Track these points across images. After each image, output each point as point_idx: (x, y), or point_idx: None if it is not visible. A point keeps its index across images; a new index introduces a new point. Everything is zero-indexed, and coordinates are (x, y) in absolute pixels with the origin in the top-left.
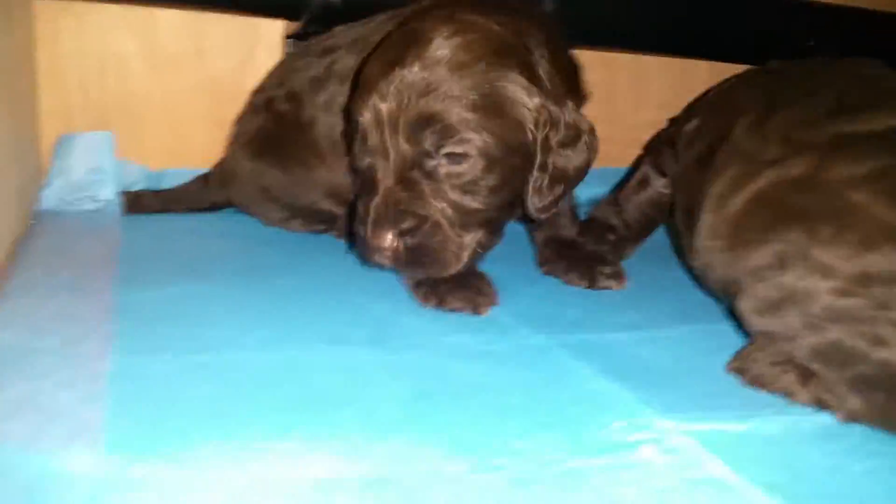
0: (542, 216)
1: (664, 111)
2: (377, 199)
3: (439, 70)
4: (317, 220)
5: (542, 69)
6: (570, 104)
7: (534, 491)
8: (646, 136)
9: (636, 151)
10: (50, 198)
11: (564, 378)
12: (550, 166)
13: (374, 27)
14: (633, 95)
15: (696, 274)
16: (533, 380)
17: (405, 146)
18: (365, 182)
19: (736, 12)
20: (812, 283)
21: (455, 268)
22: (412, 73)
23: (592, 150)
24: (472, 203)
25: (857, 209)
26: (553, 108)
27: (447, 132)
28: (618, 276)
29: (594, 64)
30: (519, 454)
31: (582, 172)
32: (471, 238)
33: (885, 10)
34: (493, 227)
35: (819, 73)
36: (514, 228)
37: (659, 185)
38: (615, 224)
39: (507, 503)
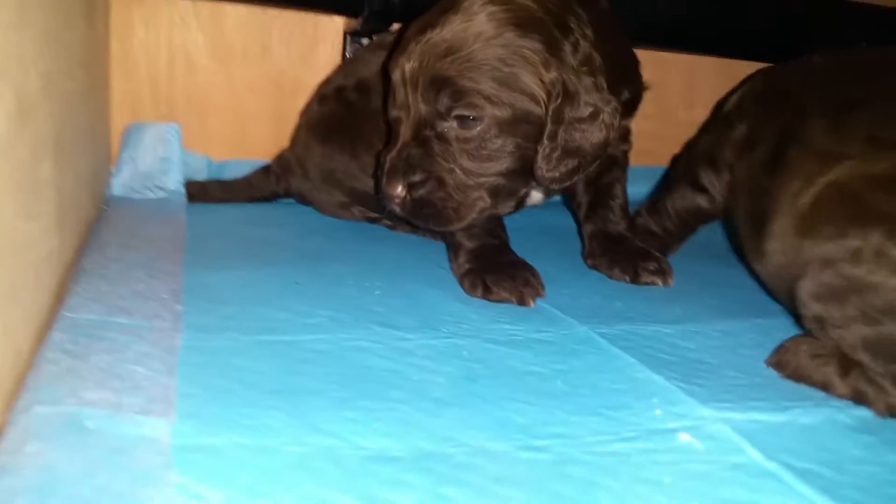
0: (554, 187)
1: None
2: (393, 152)
3: (462, 36)
4: (375, 208)
5: (581, 49)
6: (590, 81)
7: (576, 470)
8: None
9: None
10: (118, 185)
11: (607, 366)
12: (561, 138)
13: None
14: (685, 95)
15: (766, 278)
16: (577, 367)
17: (421, 105)
18: (392, 134)
19: (789, 15)
20: (881, 277)
21: (455, 225)
22: (437, 36)
23: (611, 128)
24: (479, 167)
25: None
26: (572, 83)
27: (457, 96)
28: (662, 272)
29: (647, 63)
30: (562, 436)
31: (599, 149)
32: (474, 199)
33: None
34: (499, 191)
35: (888, 66)
36: (563, 223)
37: (701, 201)
38: (656, 231)
39: (550, 480)
